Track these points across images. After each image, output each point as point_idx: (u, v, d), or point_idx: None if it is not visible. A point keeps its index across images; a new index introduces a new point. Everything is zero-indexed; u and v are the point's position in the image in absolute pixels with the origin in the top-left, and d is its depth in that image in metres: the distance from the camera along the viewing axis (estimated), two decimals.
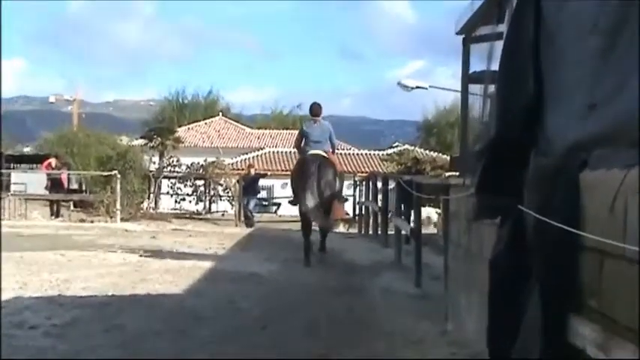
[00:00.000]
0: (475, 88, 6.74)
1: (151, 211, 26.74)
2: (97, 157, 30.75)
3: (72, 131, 41.94)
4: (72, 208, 26.50)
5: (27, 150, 47.35)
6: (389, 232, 14.98)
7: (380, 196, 17.15)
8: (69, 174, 26.96)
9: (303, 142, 13.14)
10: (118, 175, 23.94)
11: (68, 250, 13.43)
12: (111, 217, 23.31)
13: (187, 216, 26.66)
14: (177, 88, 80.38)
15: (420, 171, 19.40)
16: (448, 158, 32.20)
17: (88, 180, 28.32)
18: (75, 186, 28.82)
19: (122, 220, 22.95)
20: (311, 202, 12.04)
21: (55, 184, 24.95)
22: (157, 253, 13.22)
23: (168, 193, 28.98)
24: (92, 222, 22.39)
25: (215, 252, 13.98)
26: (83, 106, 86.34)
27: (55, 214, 24.19)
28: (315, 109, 13.47)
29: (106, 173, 25.32)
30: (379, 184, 17.65)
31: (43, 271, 10.56)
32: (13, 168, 32.57)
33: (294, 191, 13.24)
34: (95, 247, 14.25)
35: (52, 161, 26.04)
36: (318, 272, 11.40)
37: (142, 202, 27.02)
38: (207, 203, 29.36)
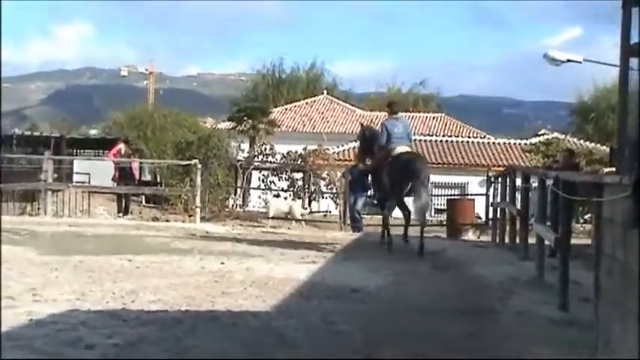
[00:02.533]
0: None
1: (238, 209, 27.18)
2: (174, 143, 31.43)
3: (146, 111, 42.95)
4: (143, 203, 27.26)
5: (93, 133, 48.83)
6: (529, 242, 14.77)
7: (519, 197, 16.93)
8: (141, 163, 27.57)
9: (385, 139, 16.40)
10: (199, 165, 24.23)
11: (137, 254, 13.76)
12: (190, 216, 23.78)
13: (282, 216, 26.93)
14: (273, 61, 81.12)
15: (575, 165, 19.04)
16: (608, 150, 31.55)
17: (163, 170, 29.04)
18: (148, 177, 29.61)
19: (203, 219, 23.34)
20: (425, 196, 15.71)
21: (124, 175, 25.42)
22: (243, 261, 13.38)
23: (259, 187, 29.36)
24: (167, 221, 22.90)
25: (313, 261, 14.06)
26: (161, 81, 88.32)
27: (124, 210, 24.80)
28: (395, 107, 17.78)
29: (184, 162, 25.82)
30: (518, 182, 17.42)
31: (105, 280, 10.84)
32: (76, 154, 33.68)
33: (384, 185, 16.44)
34: (169, 252, 14.56)
35: (122, 147, 26.36)
36: (437, 289, 11.33)
37: (228, 199, 27.50)
38: (307, 201, 29.62)
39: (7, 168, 24.96)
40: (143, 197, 28.52)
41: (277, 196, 28.60)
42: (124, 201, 25.03)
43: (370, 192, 28.77)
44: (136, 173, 25.92)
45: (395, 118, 16.93)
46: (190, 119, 37.59)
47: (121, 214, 24.30)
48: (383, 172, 16.26)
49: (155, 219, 23.50)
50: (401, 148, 16.17)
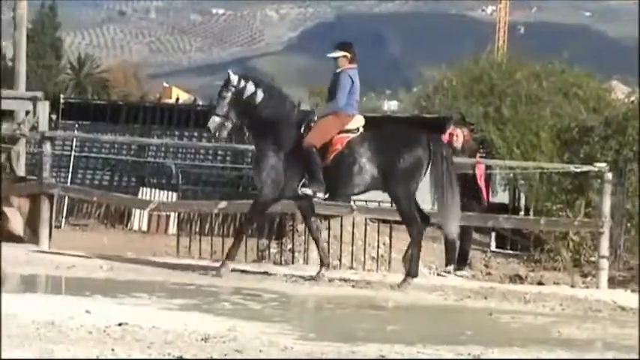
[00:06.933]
0: None
1: None
2: (554, 128, 31.26)
3: (498, 64, 42.49)
4: (493, 247, 27.17)
5: (391, 106, 49.46)
6: None
7: None
8: (490, 168, 26.83)
9: (344, 99, 19.91)
10: (609, 174, 22.92)
11: (489, 346, 13.63)
12: (584, 276, 23.63)
13: None
14: None
15: None
16: None
17: (533, 183, 28.84)
18: (503, 195, 29.51)
19: (613, 282, 22.91)
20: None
21: (464, 190, 23.83)
22: None
23: None
24: (540, 283, 22.82)
25: None
26: (519, 8, 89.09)
27: (458, 259, 24.16)
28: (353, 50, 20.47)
29: (577, 167, 25.49)
30: None
31: None
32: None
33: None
34: (548, 345, 14.29)
35: (459, 134, 25.17)
36: None
37: None
38: None
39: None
40: (493, 236, 28.59)
41: None
42: (459, 241, 24.48)
43: None
44: (483, 186, 24.86)
45: (355, 69, 20.31)
46: (589, 81, 37.09)
47: (450, 267, 23.92)
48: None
49: (518, 278, 23.42)
50: (360, 120, 20.06)
